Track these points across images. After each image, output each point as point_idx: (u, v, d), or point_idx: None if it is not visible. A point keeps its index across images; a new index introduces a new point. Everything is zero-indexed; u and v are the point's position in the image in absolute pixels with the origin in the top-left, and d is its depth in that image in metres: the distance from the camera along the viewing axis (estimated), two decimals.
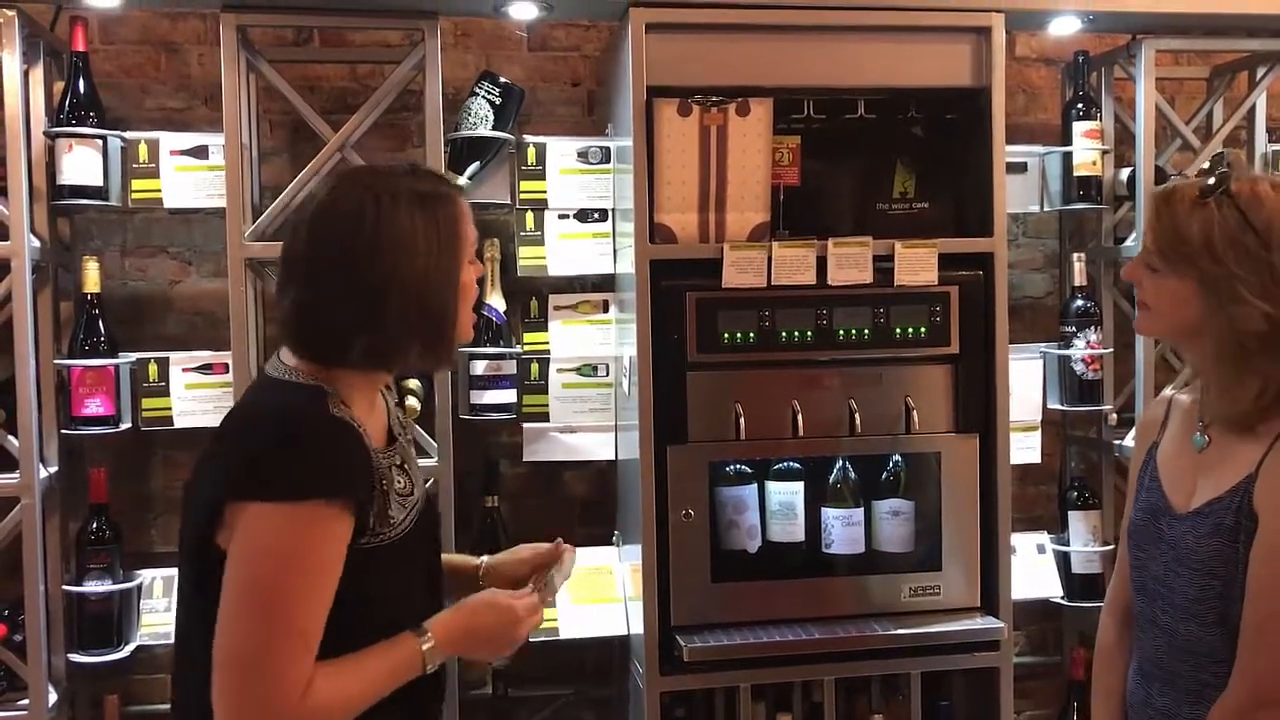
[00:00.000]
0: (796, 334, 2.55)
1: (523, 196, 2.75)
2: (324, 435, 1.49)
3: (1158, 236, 1.67)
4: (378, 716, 1.53)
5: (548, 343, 2.77)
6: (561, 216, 2.76)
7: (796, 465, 2.61)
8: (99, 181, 2.59)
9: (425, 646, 1.56)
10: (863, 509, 2.62)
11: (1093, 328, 2.97)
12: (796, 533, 2.60)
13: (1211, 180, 1.63)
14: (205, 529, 1.47)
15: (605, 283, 2.81)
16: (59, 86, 2.65)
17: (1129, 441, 2.98)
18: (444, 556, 1.99)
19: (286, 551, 1.42)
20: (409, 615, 1.60)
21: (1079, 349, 2.97)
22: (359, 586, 1.50)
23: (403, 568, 1.60)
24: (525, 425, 2.79)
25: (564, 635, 2.68)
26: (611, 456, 2.80)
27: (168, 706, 3.01)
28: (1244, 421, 1.64)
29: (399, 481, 1.62)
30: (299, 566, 1.43)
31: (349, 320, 1.53)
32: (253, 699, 1.41)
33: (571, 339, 2.77)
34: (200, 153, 2.67)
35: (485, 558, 1.98)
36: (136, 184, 2.66)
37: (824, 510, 2.62)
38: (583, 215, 2.77)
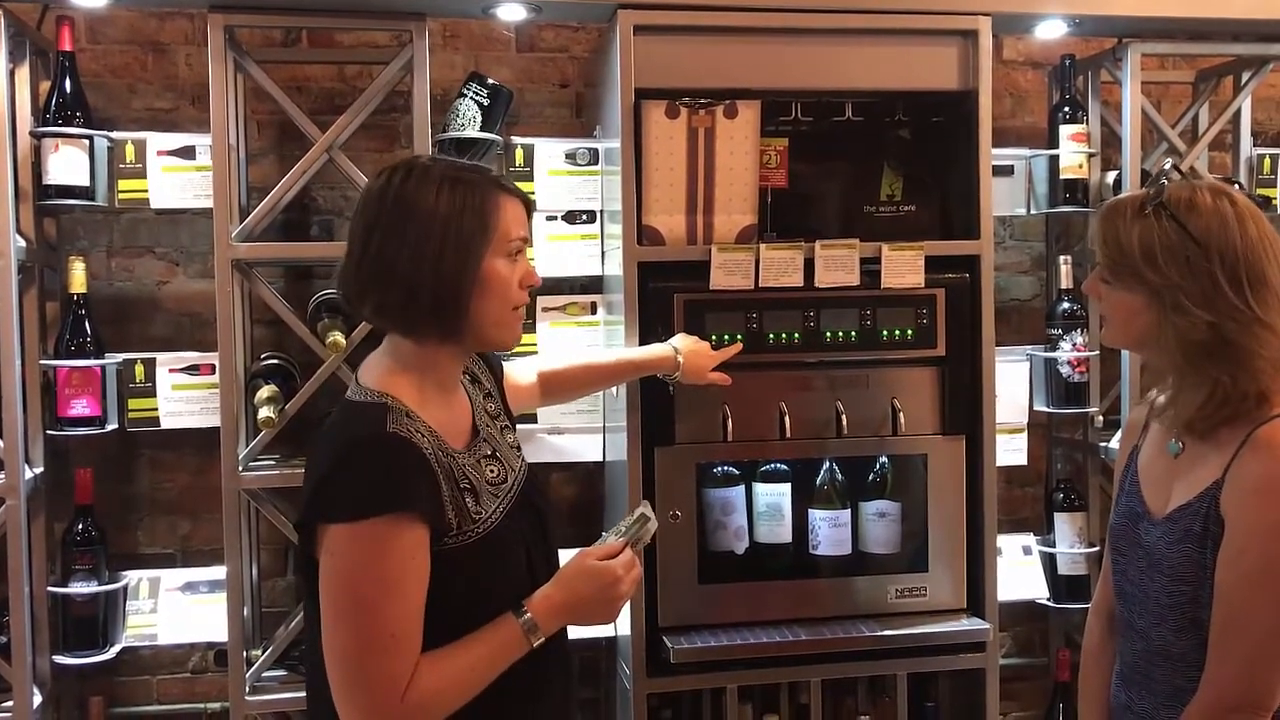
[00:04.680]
0: (784, 336, 2.56)
1: None
2: (379, 455, 1.55)
3: (1104, 250, 1.69)
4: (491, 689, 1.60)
5: (536, 344, 2.77)
6: (549, 218, 2.77)
7: (783, 467, 2.62)
8: (85, 181, 2.59)
9: (526, 625, 1.61)
10: (849, 510, 2.63)
11: (1079, 330, 2.98)
12: (783, 534, 2.60)
13: (1151, 191, 1.66)
14: (306, 546, 1.58)
15: (593, 284, 2.81)
16: (45, 86, 2.64)
17: (1114, 444, 2.99)
18: (633, 353, 2.36)
19: (361, 565, 1.50)
20: (516, 599, 1.64)
21: (1065, 351, 2.98)
22: (456, 582, 1.57)
23: (500, 557, 1.64)
24: None
25: None
26: (599, 458, 2.80)
27: (152, 708, 3.01)
28: (1195, 427, 1.65)
29: (490, 471, 1.68)
30: (375, 577, 1.50)
31: (363, 277, 1.61)
32: (356, 699, 1.51)
33: (559, 341, 2.77)
34: (187, 153, 2.67)
35: (679, 349, 2.36)
36: (123, 184, 2.66)
37: (811, 512, 2.62)
38: (571, 217, 2.77)
